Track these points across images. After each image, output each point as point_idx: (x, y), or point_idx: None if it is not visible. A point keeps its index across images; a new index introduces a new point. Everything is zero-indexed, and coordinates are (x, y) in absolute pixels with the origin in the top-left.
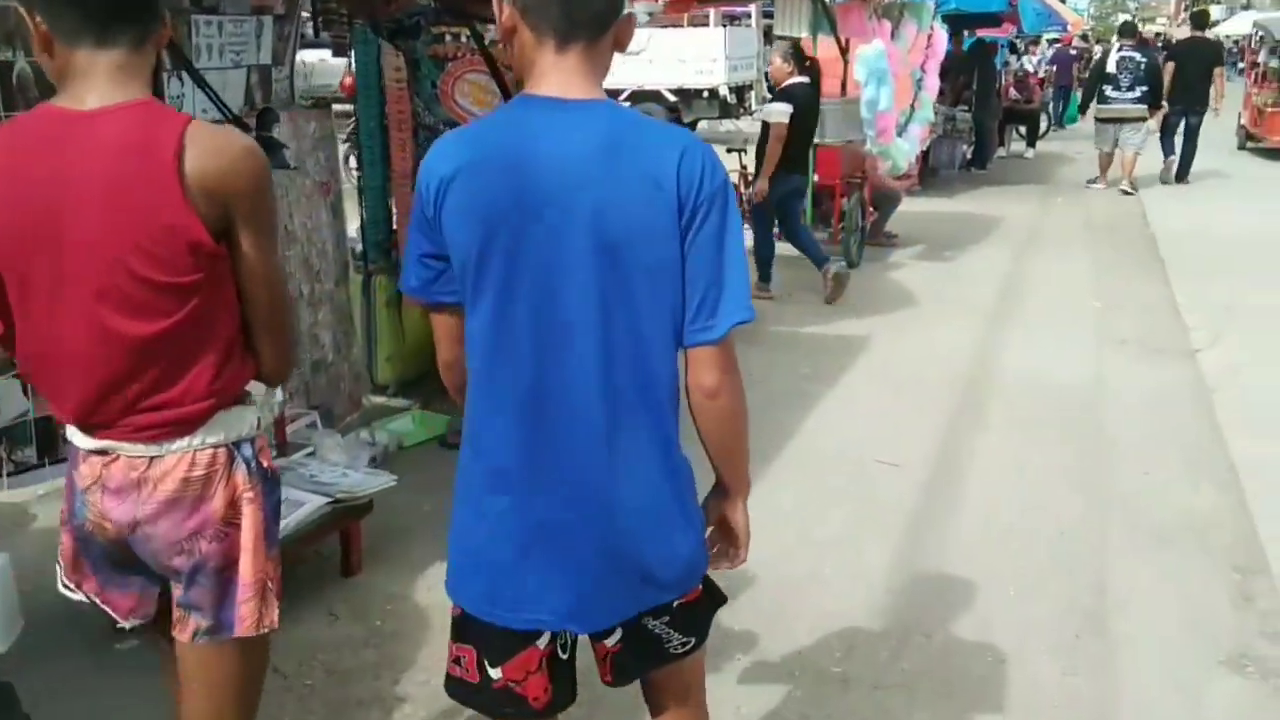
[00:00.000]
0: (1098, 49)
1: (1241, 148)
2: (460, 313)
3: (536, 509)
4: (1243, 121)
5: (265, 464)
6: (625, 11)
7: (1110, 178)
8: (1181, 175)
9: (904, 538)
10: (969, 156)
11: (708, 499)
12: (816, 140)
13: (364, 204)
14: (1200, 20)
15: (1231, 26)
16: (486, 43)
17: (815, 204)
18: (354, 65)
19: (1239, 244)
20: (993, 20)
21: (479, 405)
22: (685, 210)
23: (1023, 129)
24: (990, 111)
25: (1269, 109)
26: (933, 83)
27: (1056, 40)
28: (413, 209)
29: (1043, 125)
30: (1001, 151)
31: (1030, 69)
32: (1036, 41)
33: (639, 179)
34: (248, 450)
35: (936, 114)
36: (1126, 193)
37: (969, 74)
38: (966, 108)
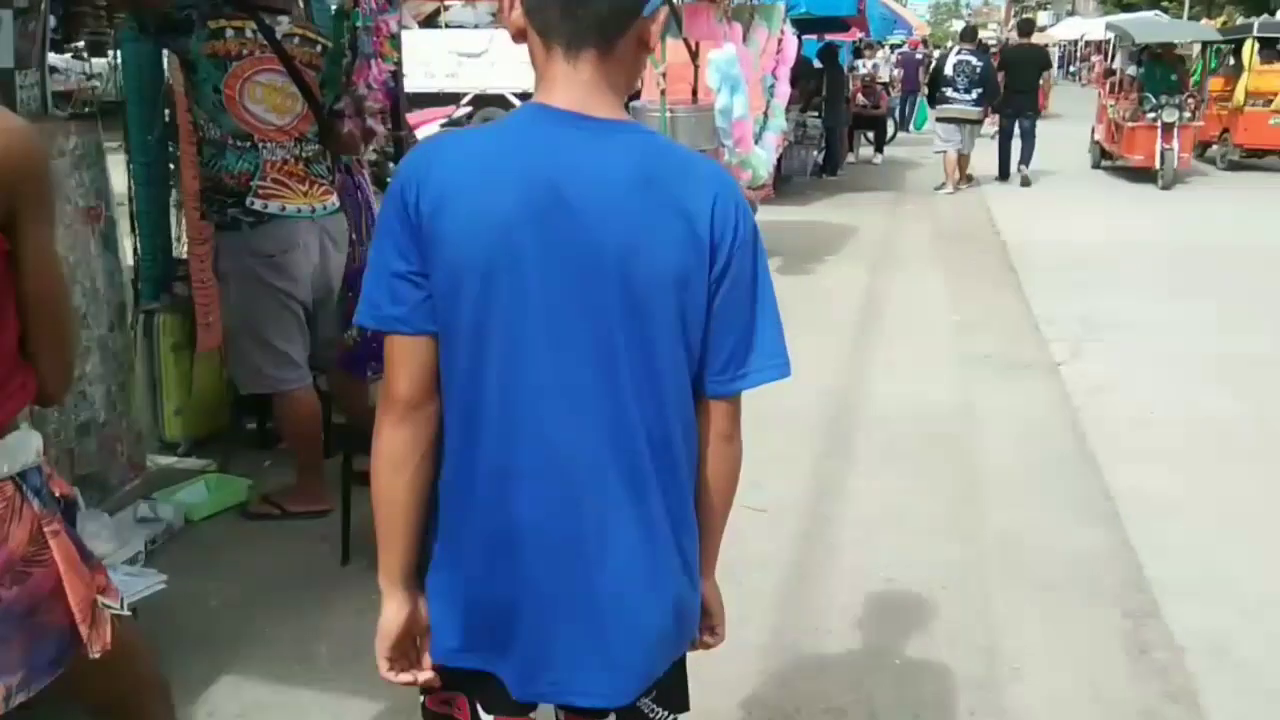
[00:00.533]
0: (935, 53)
1: (1096, 166)
2: (436, 342)
3: (540, 579)
4: (1097, 137)
5: (58, 492)
6: (653, 4)
7: (955, 177)
8: (1025, 165)
9: (778, 604)
10: (820, 163)
11: None
12: None
13: (138, 232)
14: (1026, 27)
15: (1060, 32)
16: (279, 36)
17: None
18: (120, 68)
19: (1088, 253)
20: (840, 25)
21: (458, 464)
22: (719, 257)
23: (871, 134)
24: (840, 117)
25: (1128, 124)
26: (784, 89)
27: (900, 45)
28: (382, 222)
29: (889, 130)
30: (851, 157)
31: (877, 73)
32: (872, 47)
33: (673, 219)
34: (35, 479)
35: (788, 120)
36: (957, 188)
37: (818, 79)
38: (817, 114)
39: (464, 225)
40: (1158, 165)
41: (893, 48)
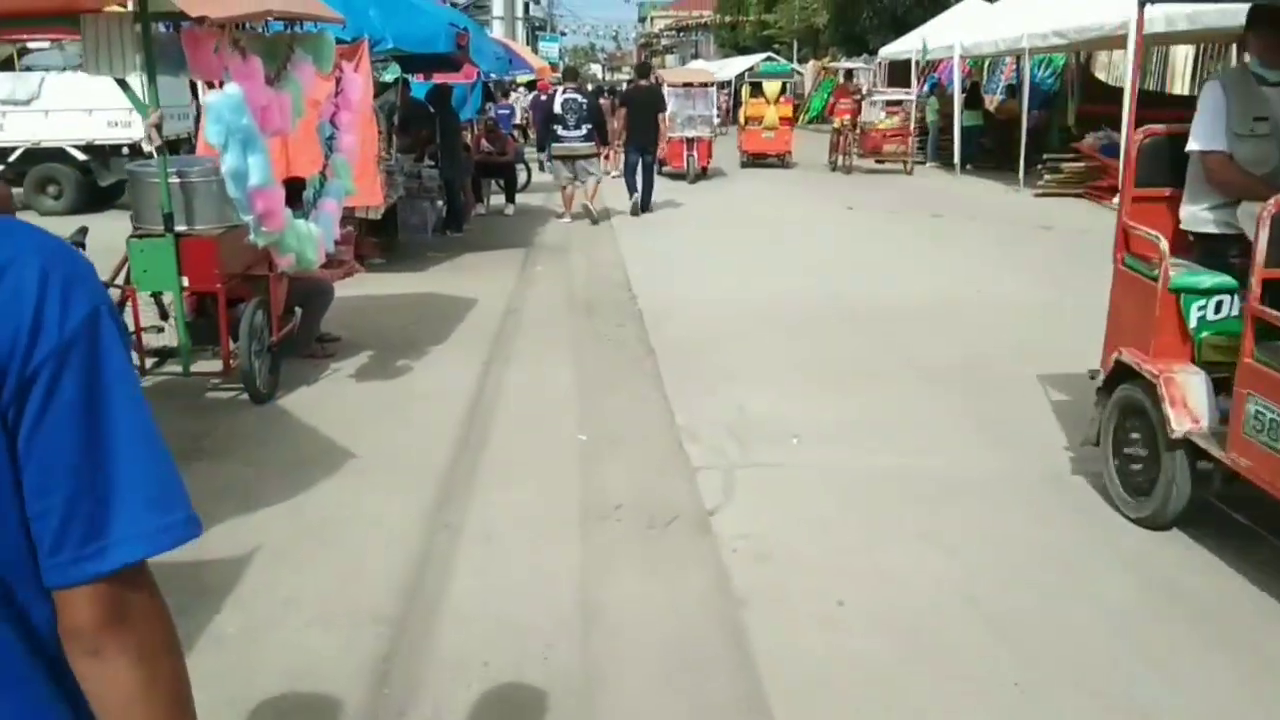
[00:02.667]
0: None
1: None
2: None
3: None
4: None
5: None
6: None
7: (574, 210)
8: (645, 206)
9: None
10: (444, 217)
11: None
12: (181, 228)
13: None
14: (644, 70)
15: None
16: None
17: (193, 317)
18: None
19: (724, 321)
20: (449, 64)
21: None
22: (10, 373)
23: (501, 182)
24: (459, 166)
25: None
26: (349, 141)
27: (531, 85)
28: None
29: (521, 177)
30: (481, 209)
31: (504, 114)
32: (505, 90)
33: None
34: None
35: (401, 173)
36: (594, 221)
37: (430, 125)
38: (433, 163)
39: None
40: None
41: (527, 88)
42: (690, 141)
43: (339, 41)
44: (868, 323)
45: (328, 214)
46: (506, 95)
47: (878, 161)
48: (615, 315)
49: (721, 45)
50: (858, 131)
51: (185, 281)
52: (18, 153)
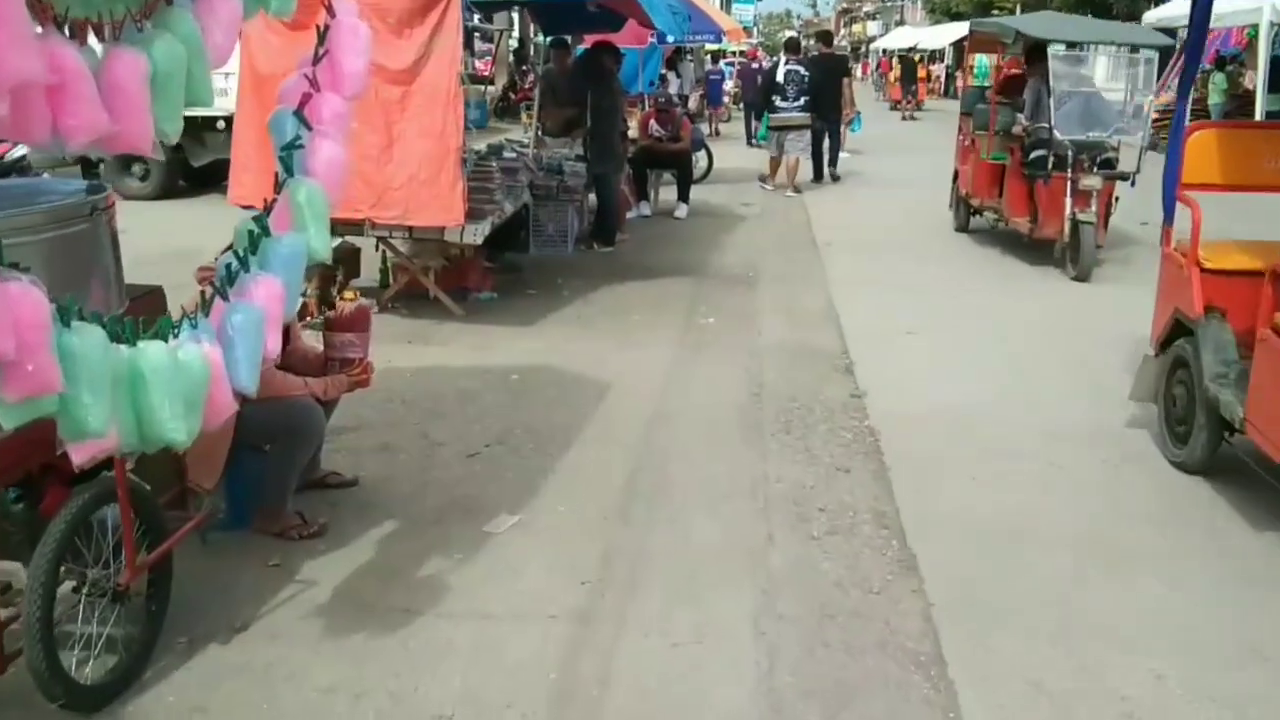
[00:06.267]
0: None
1: (964, 229)
2: None
3: None
4: (965, 192)
5: None
6: None
7: (778, 181)
8: (832, 166)
9: None
10: (589, 227)
11: None
12: None
13: None
14: (827, 38)
15: (891, 42)
16: None
17: None
18: None
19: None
20: (605, 21)
21: None
22: None
23: (675, 173)
24: (614, 157)
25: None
26: (331, 154)
27: (741, 54)
28: None
29: (701, 165)
30: (645, 209)
31: (715, 80)
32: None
33: None
34: None
35: (531, 166)
36: (797, 190)
37: (580, 100)
38: (582, 152)
39: None
40: (1066, 238)
41: (716, 56)
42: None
43: None
44: None
45: (248, 317)
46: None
47: None
48: (831, 440)
49: (931, 11)
50: None
51: None
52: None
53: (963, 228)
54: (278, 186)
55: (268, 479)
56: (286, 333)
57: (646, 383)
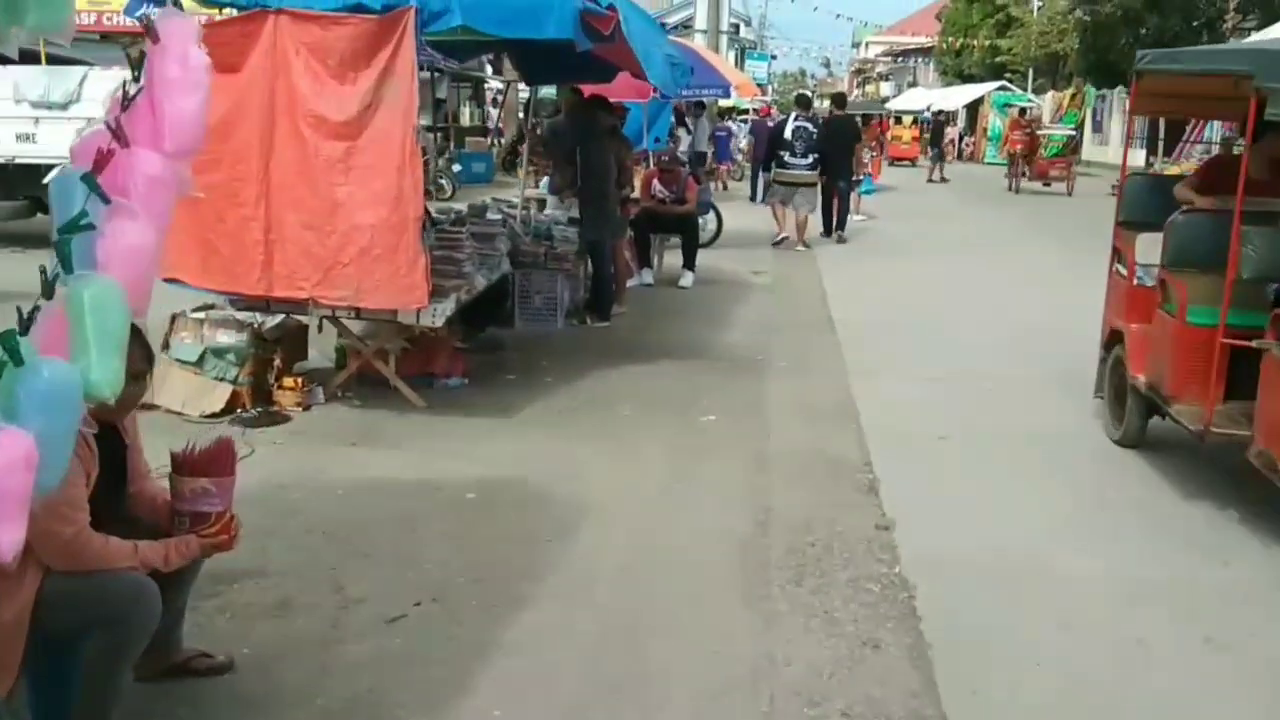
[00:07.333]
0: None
1: (1134, 444)
2: None
3: None
4: (1146, 379)
5: None
6: None
7: (785, 231)
8: (840, 229)
9: None
10: (580, 301)
11: None
12: None
13: None
14: (840, 100)
15: (904, 103)
16: None
17: None
18: None
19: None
20: (593, 69)
21: None
22: None
23: (677, 238)
24: (608, 222)
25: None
26: (137, 239)
27: (753, 112)
28: None
29: (709, 229)
30: (647, 277)
31: (722, 137)
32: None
33: None
34: None
35: (515, 231)
36: (806, 245)
37: (569, 154)
38: (575, 217)
39: None
40: None
41: (731, 113)
42: None
43: (360, 7)
44: None
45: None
46: (724, 118)
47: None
48: (854, 597)
49: (944, 73)
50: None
51: None
52: (55, 172)
53: (1134, 441)
54: (48, 287)
55: (84, 686)
56: (124, 468)
57: (630, 505)
